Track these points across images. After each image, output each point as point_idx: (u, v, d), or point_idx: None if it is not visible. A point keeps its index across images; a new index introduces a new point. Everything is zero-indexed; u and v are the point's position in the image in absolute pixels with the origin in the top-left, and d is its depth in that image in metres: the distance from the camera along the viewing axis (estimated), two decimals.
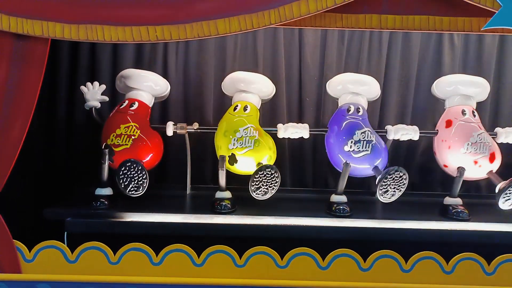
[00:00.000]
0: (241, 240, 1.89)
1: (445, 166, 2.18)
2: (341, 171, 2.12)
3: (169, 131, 2.19)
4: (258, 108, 2.24)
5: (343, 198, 2.08)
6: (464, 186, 2.33)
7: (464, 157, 2.08)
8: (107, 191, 2.06)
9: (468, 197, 2.23)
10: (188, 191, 2.47)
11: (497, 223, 1.98)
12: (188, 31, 1.69)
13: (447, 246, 1.89)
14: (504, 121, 2.62)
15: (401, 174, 1.88)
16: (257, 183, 1.91)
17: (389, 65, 2.69)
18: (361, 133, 2.06)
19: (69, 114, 2.61)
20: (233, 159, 2.04)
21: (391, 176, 1.87)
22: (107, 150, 1.98)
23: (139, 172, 1.89)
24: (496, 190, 2.00)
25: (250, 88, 2.21)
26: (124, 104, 2.15)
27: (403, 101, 2.72)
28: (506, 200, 1.95)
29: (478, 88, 2.23)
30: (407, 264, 1.82)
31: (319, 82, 2.70)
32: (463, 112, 2.18)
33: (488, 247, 1.87)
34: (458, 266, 1.82)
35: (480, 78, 2.27)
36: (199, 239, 1.88)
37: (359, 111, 2.16)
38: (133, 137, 2.03)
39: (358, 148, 2.03)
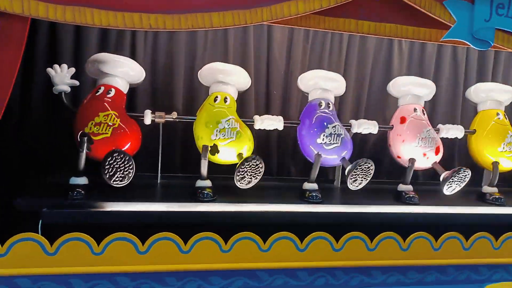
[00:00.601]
0: (224, 226, 1.96)
1: (399, 157, 2.47)
2: (312, 161, 2.29)
3: (147, 120, 2.16)
4: (235, 99, 2.31)
5: (315, 186, 2.25)
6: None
7: (416, 150, 2.38)
8: (83, 180, 1.97)
9: (416, 184, 2.54)
10: (159, 180, 2.46)
11: (443, 206, 2.31)
12: (183, 22, 1.71)
13: (403, 227, 2.16)
14: (441, 118, 3.02)
15: (369, 165, 2.11)
16: (242, 173, 1.99)
17: (347, 64, 2.93)
18: (332, 127, 2.24)
19: (26, 99, 2.41)
20: (215, 150, 2.09)
21: (360, 167, 2.09)
22: (85, 138, 1.90)
23: (126, 163, 1.86)
24: (441, 179, 2.34)
25: (229, 79, 2.25)
26: (101, 91, 2.06)
27: (358, 97, 2.98)
28: (449, 187, 2.29)
29: (427, 89, 2.55)
30: (373, 243, 2.07)
31: (285, 76, 2.84)
32: (415, 110, 2.48)
33: (436, 226, 2.19)
34: (413, 243, 2.11)
35: (428, 80, 2.59)
36: (184, 227, 1.92)
37: (329, 106, 2.34)
38: (113, 126, 1.97)
39: (329, 141, 2.21)
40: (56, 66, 2.05)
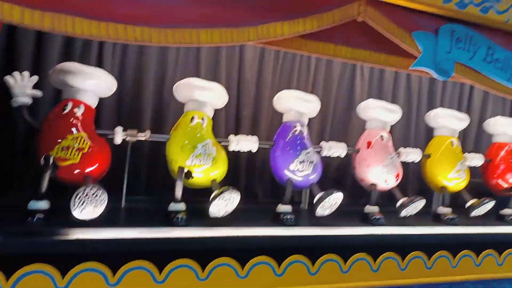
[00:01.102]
0: (200, 252, 1.87)
1: (362, 180, 2.55)
2: (283, 183, 2.30)
3: (118, 139, 2.02)
4: (211, 117, 2.25)
5: (289, 208, 2.24)
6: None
7: (380, 175, 2.48)
8: (44, 204, 1.78)
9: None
10: (123, 203, 2.30)
11: (406, 226, 2.40)
12: (170, 37, 1.65)
13: (373, 247, 2.22)
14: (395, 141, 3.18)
15: (338, 196, 2.16)
16: (217, 205, 1.94)
17: (314, 86, 3.01)
18: (306, 153, 2.27)
19: None
20: (189, 175, 2.01)
21: (331, 196, 2.13)
22: (51, 164, 1.73)
23: (98, 196, 1.71)
24: (398, 204, 2.46)
25: (206, 97, 2.18)
26: (68, 108, 1.89)
27: (325, 119, 3.06)
28: (406, 212, 2.41)
29: (395, 114, 2.66)
30: (346, 265, 2.10)
31: (255, 97, 2.84)
32: (382, 137, 2.58)
33: (401, 247, 2.27)
34: (382, 264, 2.18)
35: (396, 106, 2.71)
36: (158, 254, 1.80)
37: (304, 128, 2.37)
38: (82, 151, 1.82)
39: (302, 168, 2.24)
40: (16, 74, 1.83)
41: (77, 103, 1.91)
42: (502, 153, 3.01)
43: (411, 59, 2.16)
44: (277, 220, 2.21)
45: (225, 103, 2.33)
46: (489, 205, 2.61)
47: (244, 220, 2.19)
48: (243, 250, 1.95)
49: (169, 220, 1.98)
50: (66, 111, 1.88)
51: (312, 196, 2.68)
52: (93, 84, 1.98)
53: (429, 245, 2.35)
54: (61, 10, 1.49)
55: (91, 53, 2.41)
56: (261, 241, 2.03)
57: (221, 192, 1.91)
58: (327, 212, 2.23)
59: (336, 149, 2.47)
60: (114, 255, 1.73)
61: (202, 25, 1.69)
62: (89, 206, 1.71)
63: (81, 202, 1.69)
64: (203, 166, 2.01)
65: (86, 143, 1.84)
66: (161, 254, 1.80)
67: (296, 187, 2.35)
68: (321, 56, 2.16)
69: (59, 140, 1.79)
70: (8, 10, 1.43)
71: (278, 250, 2.00)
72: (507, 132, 3.09)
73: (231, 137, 2.26)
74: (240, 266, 1.89)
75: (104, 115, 2.42)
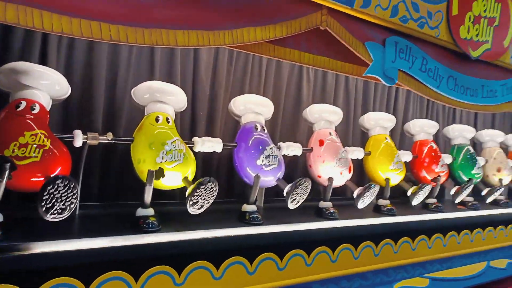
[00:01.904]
0: (174, 257, 1.84)
1: (319, 176, 2.72)
2: (249, 182, 2.34)
3: (78, 142, 1.87)
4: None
5: (254, 208, 2.30)
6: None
7: (334, 169, 2.66)
8: None
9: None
10: (77, 211, 2.14)
11: (357, 219, 2.62)
12: (146, 37, 1.60)
13: (331, 240, 2.39)
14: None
15: (307, 184, 2.27)
16: (196, 197, 1.90)
17: (265, 88, 3.10)
18: (270, 148, 2.35)
19: None
20: (160, 174, 1.94)
21: (300, 186, 2.24)
22: (8, 164, 1.54)
23: (69, 191, 1.57)
24: (354, 195, 2.67)
25: (168, 99, 2.14)
26: (22, 106, 1.70)
27: (275, 120, 3.17)
28: (363, 202, 2.63)
29: (337, 115, 2.88)
30: (310, 258, 2.23)
31: (210, 98, 2.83)
32: (330, 134, 2.78)
33: (354, 237, 2.48)
34: (340, 254, 2.35)
35: (338, 108, 2.93)
36: (132, 262, 1.73)
37: (264, 129, 2.44)
38: (43, 148, 1.65)
39: (268, 162, 2.31)
40: None
41: (31, 102, 1.73)
42: (425, 149, 3.44)
43: (363, 67, 2.36)
44: (243, 219, 2.25)
45: (185, 107, 2.29)
46: (428, 188, 2.96)
47: (211, 221, 2.19)
48: (215, 251, 1.96)
49: (138, 226, 1.90)
50: (20, 109, 1.69)
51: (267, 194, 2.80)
52: (46, 85, 1.81)
53: (376, 234, 2.60)
54: (28, 2, 1.35)
55: (33, 48, 2.18)
56: (232, 241, 2.06)
57: (199, 185, 1.88)
58: (299, 203, 2.33)
59: (293, 148, 2.59)
60: (86, 267, 1.62)
61: (179, 26, 1.66)
62: (60, 202, 1.56)
63: (51, 199, 1.53)
64: (175, 163, 1.95)
65: (47, 141, 1.68)
66: (135, 262, 1.73)
67: (263, 185, 2.40)
68: (287, 61, 2.25)
69: (15, 139, 1.60)
70: None
71: (249, 249, 2.06)
72: (427, 131, 3.55)
73: (196, 138, 2.24)
74: (215, 268, 1.90)
75: (51, 116, 2.21)
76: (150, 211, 1.96)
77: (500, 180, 3.90)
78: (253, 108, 2.47)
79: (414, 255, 2.72)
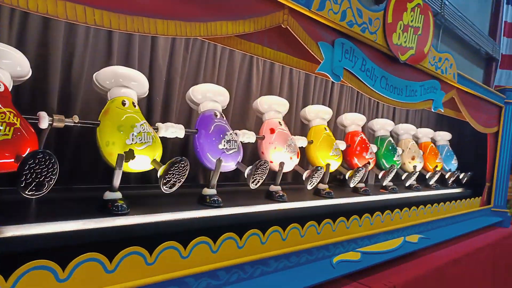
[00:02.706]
0: (145, 238, 1.92)
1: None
2: (211, 167, 2.47)
3: (44, 123, 1.82)
4: None
5: (214, 191, 2.44)
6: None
7: (285, 155, 2.91)
8: None
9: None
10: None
11: (304, 201, 2.90)
12: (129, 23, 1.63)
13: (283, 220, 2.63)
14: None
15: (266, 165, 2.47)
16: (170, 176, 1.97)
17: (219, 76, 3.21)
18: (230, 134, 2.49)
19: None
20: (130, 156, 1.97)
21: (260, 167, 2.43)
22: None
23: (50, 167, 1.54)
24: (303, 178, 2.95)
25: (132, 85, 2.16)
26: None
27: (226, 108, 3.29)
28: (311, 183, 2.92)
29: (284, 106, 3.12)
30: (264, 237, 2.45)
31: (166, 83, 2.86)
32: (280, 123, 3.01)
33: (301, 217, 2.75)
34: (290, 232, 2.60)
35: (285, 100, 3.15)
36: (105, 244, 1.77)
37: (223, 116, 2.57)
38: (14, 126, 1.60)
39: (229, 146, 2.45)
40: None
41: None
42: (358, 139, 3.87)
43: (315, 64, 2.61)
44: (204, 202, 2.38)
45: (147, 93, 2.32)
46: (362, 172, 3.36)
47: (173, 204, 2.28)
48: (182, 232, 2.07)
49: (106, 208, 1.93)
50: None
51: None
52: (7, 64, 1.73)
53: (318, 215, 2.91)
54: None
55: None
56: (196, 223, 2.19)
57: (172, 164, 1.95)
58: (259, 183, 2.53)
59: (248, 136, 2.76)
60: (61, 250, 1.63)
61: (160, 16, 1.71)
62: (40, 178, 1.53)
63: (31, 174, 1.50)
64: (145, 144, 1.99)
65: (17, 119, 1.62)
66: (108, 244, 1.77)
67: (224, 169, 2.53)
68: (252, 54, 2.39)
69: None
70: None
71: (212, 229, 2.20)
72: (357, 123, 3.99)
73: (160, 124, 2.29)
74: (183, 248, 2.01)
75: None
76: (118, 195, 1.99)
77: (414, 166, 4.54)
78: (211, 96, 2.58)
79: (348, 232, 3.10)
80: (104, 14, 1.53)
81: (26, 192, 1.53)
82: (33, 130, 1.74)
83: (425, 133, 5.22)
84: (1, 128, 1.56)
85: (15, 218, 1.63)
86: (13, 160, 1.60)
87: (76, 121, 1.95)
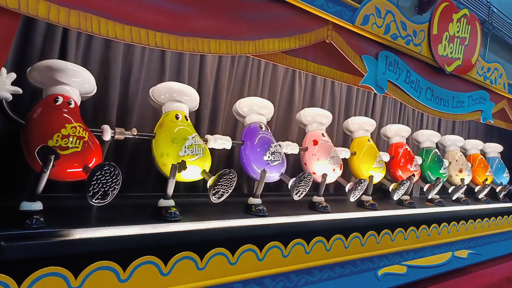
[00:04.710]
0: (196, 244, 2.02)
1: (314, 173, 2.97)
2: (256, 177, 2.55)
3: (107, 136, 2.00)
4: None
5: (259, 201, 2.51)
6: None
7: (327, 166, 2.93)
8: (38, 205, 1.69)
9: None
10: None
11: (349, 212, 2.91)
12: (185, 44, 1.76)
13: (327, 231, 2.65)
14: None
15: (310, 177, 2.52)
16: (218, 187, 2.08)
17: (262, 90, 3.31)
18: (274, 146, 2.57)
19: None
20: (182, 166, 2.10)
21: (305, 179, 2.48)
22: (52, 154, 1.65)
23: (114, 178, 1.70)
24: (346, 190, 2.96)
25: (184, 99, 2.30)
26: (60, 101, 1.80)
27: (270, 121, 3.37)
28: (354, 195, 2.93)
29: (327, 119, 3.15)
30: (309, 246, 2.48)
31: (213, 97, 3.01)
32: (323, 135, 3.05)
33: (344, 229, 2.76)
34: (334, 243, 2.62)
35: (328, 112, 3.19)
36: (161, 248, 1.89)
37: (268, 129, 2.66)
38: (83, 139, 1.77)
39: (274, 158, 2.53)
40: None
41: (67, 98, 1.84)
42: (401, 150, 3.81)
43: (358, 77, 2.64)
44: (250, 211, 2.46)
45: (197, 106, 2.45)
46: (406, 185, 3.32)
47: (221, 212, 2.38)
48: (230, 239, 2.15)
49: (160, 215, 2.06)
50: (59, 103, 1.80)
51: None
52: (77, 82, 1.92)
53: (362, 226, 2.90)
54: (89, 9, 1.48)
55: (53, 44, 2.26)
56: (246, 230, 2.26)
57: (220, 176, 2.05)
58: (302, 195, 2.58)
59: (292, 147, 2.83)
60: (121, 252, 1.76)
61: (212, 36, 1.84)
62: (105, 188, 1.70)
63: (98, 184, 1.67)
64: (196, 156, 2.12)
65: (85, 133, 1.80)
66: (162, 248, 1.89)
67: (268, 180, 2.60)
68: (297, 69, 2.48)
69: (58, 130, 1.71)
70: (34, 3, 1.37)
71: (258, 237, 2.27)
72: (401, 134, 3.93)
73: (209, 136, 2.41)
74: (231, 254, 2.09)
75: None
76: (171, 202, 2.12)
77: (462, 179, 4.38)
78: (257, 109, 2.67)
79: (393, 245, 3.05)
80: (164, 36, 1.68)
81: (93, 200, 1.70)
82: (98, 142, 1.91)
83: (474, 145, 4.98)
84: (72, 140, 1.73)
85: (80, 222, 1.79)
86: (81, 169, 1.77)
87: (135, 134, 2.11)
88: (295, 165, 3.41)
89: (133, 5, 1.60)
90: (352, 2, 2.40)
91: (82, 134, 1.79)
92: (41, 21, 1.70)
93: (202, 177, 2.23)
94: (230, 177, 2.11)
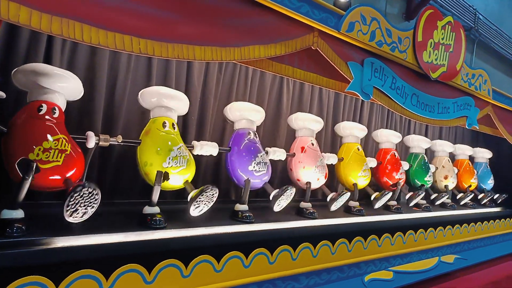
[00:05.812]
0: (180, 252, 2.00)
1: (298, 180, 2.99)
2: (240, 184, 2.55)
3: (91, 143, 1.98)
4: None
5: (246, 207, 2.51)
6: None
7: (313, 174, 2.94)
8: (19, 213, 1.67)
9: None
10: None
11: (333, 218, 2.92)
12: (170, 51, 1.76)
13: (314, 237, 2.65)
14: None
15: (292, 191, 2.53)
16: (198, 203, 2.08)
17: (250, 96, 3.32)
18: (261, 155, 2.57)
19: None
20: (165, 177, 2.10)
21: (286, 193, 2.49)
22: (33, 166, 1.63)
23: (92, 197, 1.69)
24: (328, 199, 2.97)
25: (173, 105, 2.29)
26: (44, 109, 1.78)
27: (258, 127, 3.38)
28: (335, 205, 2.94)
29: (318, 124, 3.16)
30: (295, 253, 2.48)
31: (200, 103, 3.00)
32: (312, 142, 3.06)
33: (332, 234, 2.76)
34: (321, 249, 2.62)
35: (319, 118, 3.20)
36: (145, 256, 1.88)
37: (256, 136, 2.66)
38: (65, 153, 1.75)
39: (259, 168, 2.53)
40: None
41: (51, 105, 1.82)
42: (388, 156, 3.84)
43: (344, 83, 2.66)
44: (236, 217, 2.46)
45: (186, 112, 2.45)
46: (388, 195, 3.34)
47: (207, 219, 2.37)
48: (216, 246, 2.14)
49: (145, 223, 2.04)
50: (42, 112, 1.78)
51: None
52: (63, 87, 1.90)
53: (349, 232, 2.91)
54: (71, 15, 1.48)
55: (38, 50, 2.24)
56: (229, 237, 2.26)
57: (202, 191, 2.06)
58: (283, 207, 2.60)
59: (279, 153, 2.83)
60: (105, 260, 1.74)
61: (197, 42, 1.84)
62: (83, 207, 1.68)
63: (76, 204, 1.65)
64: (180, 168, 2.12)
65: (68, 145, 1.78)
66: (146, 255, 1.88)
67: (251, 188, 2.61)
68: (283, 75, 2.49)
69: (39, 143, 1.69)
70: (15, 10, 1.36)
71: (245, 244, 2.26)
72: (391, 140, 3.96)
73: (195, 142, 2.40)
74: (216, 261, 2.08)
75: None
76: (156, 209, 2.11)
77: (446, 186, 4.43)
78: (247, 115, 2.67)
79: (380, 250, 3.07)
80: (148, 42, 1.68)
81: (71, 219, 1.69)
82: (80, 150, 1.89)
83: (463, 150, 5.02)
84: (54, 154, 1.71)
85: (62, 230, 1.77)
86: (62, 180, 1.76)
87: (120, 141, 2.10)
88: (284, 170, 3.41)
89: (117, 12, 1.59)
90: (337, 9, 2.43)
91: (64, 147, 1.77)
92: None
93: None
94: (211, 193, 2.12)
